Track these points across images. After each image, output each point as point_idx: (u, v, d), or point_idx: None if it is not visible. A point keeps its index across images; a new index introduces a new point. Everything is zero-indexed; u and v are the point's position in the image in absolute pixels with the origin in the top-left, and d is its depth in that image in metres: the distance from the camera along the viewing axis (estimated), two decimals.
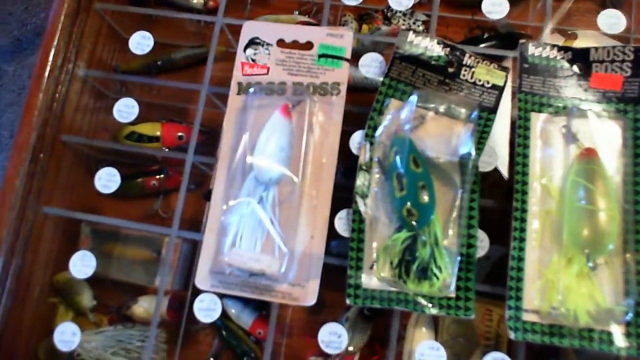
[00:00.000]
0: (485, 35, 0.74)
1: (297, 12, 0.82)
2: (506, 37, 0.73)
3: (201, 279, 0.54)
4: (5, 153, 1.39)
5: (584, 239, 0.50)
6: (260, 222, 0.52)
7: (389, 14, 0.79)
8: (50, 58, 0.70)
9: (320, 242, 0.53)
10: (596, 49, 0.55)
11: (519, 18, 0.76)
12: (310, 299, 0.52)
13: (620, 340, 0.48)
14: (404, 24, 0.78)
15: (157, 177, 0.78)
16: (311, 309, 0.73)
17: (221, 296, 0.71)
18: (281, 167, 0.53)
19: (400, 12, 0.79)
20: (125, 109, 0.66)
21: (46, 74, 0.70)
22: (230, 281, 0.53)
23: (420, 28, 0.79)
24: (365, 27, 0.79)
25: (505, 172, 0.59)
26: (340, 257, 0.56)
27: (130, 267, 0.74)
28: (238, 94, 0.57)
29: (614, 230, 0.50)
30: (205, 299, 0.56)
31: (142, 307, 0.72)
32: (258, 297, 0.52)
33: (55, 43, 0.71)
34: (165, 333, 0.72)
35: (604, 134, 0.54)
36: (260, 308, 0.75)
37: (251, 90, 0.56)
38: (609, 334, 0.49)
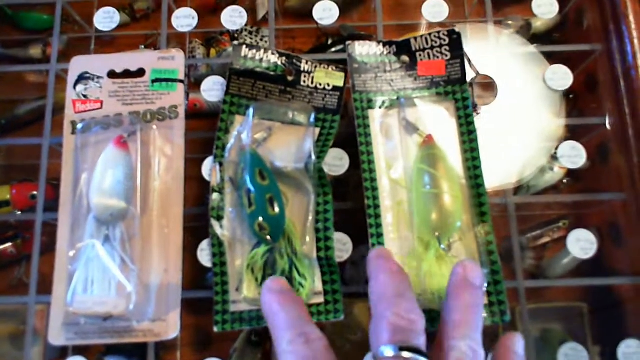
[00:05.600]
0: (330, 41, 0.80)
1: (143, 47, 0.86)
2: (349, 40, 0.79)
3: (54, 335, 0.55)
4: None
5: (433, 222, 0.54)
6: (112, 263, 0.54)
7: (236, 35, 0.84)
8: None
9: (175, 273, 0.56)
10: (415, 38, 0.61)
11: (362, 19, 0.83)
12: (172, 332, 0.55)
13: (485, 312, 0.53)
14: (251, 42, 0.84)
15: (12, 243, 0.78)
16: (199, 349, 0.75)
17: (103, 354, 0.73)
18: (119, 202, 0.56)
19: (246, 30, 0.84)
20: None
21: None
22: (86, 330, 0.54)
23: (268, 44, 0.84)
24: (213, 51, 0.84)
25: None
26: None
27: None
28: (73, 133, 0.59)
29: (458, 208, 0.55)
30: None
31: None
32: (119, 341, 0.54)
33: None
34: None
35: (440, 118, 0.60)
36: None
37: (79, 126, 0.58)
38: None
